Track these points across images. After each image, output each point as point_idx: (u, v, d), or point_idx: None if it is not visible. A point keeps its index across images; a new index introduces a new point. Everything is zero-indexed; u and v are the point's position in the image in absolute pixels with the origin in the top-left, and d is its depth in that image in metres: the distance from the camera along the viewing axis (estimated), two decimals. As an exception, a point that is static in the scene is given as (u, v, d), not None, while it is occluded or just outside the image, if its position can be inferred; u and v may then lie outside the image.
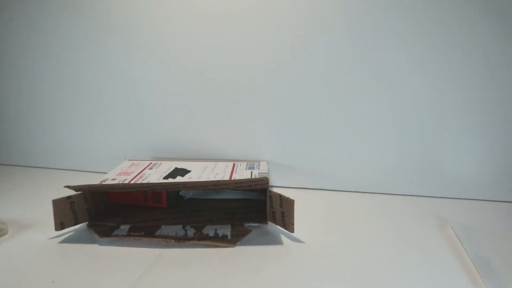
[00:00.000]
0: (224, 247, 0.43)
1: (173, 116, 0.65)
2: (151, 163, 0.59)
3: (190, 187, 0.48)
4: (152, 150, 0.68)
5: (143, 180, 0.50)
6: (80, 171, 0.73)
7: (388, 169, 0.59)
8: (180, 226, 0.48)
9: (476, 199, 0.57)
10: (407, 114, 0.56)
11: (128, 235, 0.45)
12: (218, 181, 0.48)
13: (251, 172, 0.53)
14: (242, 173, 0.53)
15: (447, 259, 0.41)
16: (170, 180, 0.50)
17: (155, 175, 0.52)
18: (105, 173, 0.54)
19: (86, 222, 0.49)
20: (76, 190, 0.47)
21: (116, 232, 0.46)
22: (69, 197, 0.45)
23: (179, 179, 0.51)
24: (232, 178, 0.50)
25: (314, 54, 0.57)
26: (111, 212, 0.52)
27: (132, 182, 0.49)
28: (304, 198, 0.58)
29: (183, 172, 0.54)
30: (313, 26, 0.56)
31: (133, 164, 0.59)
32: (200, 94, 0.63)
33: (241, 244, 0.44)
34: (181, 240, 0.44)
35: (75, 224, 0.47)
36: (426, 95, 0.55)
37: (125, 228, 0.47)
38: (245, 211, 0.52)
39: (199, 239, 0.44)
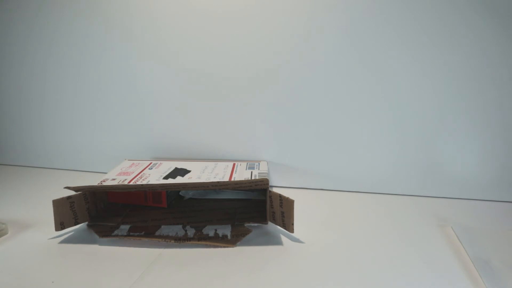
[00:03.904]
0: (224, 247, 0.43)
1: (173, 116, 0.65)
2: (151, 163, 0.59)
3: (190, 187, 0.48)
4: (152, 150, 0.68)
5: (143, 180, 0.50)
6: (80, 171, 0.73)
7: (388, 169, 0.59)
8: (180, 226, 0.48)
9: (476, 199, 0.57)
10: (407, 114, 0.56)
11: (128, 235, 0.45)
12: (218, 182, 0.48)
13: (251, 172, 0.53)
14: (242, 173, 0.53)
15: (447, 259, 0.41)
16: (170, 180, 0.50)
17: (155, 175, 0.52)
18: (105, 173, 0.54)
19: (86, 222, 0.49)
20: (76, 191, 0.47)
21: (116, 232, 0.46)
22: (69, 197, 0.45)
23: (179, 179, 0.51)
24: (232, 178, 0.50)
25: (314, 54, 0.57)
26: (111, 212, 0.52)
27: (132, 182, 0.49)
28: (304, 198, 0.58)
29: (183, 172, 0.54)
30: (313, 26, 0.56)
31: (133, 164, 0.59)
32: (200, 94, 0.63)
33: (241, 244, 0.44)
34: (181, 240, 0.44)
35: (75, 224, 0.47)
36: (426, 95, 0.55)
37: (125, 228, 0.47)
38: (245, 211, 0.52)
39: (199, 239, 0.44)
